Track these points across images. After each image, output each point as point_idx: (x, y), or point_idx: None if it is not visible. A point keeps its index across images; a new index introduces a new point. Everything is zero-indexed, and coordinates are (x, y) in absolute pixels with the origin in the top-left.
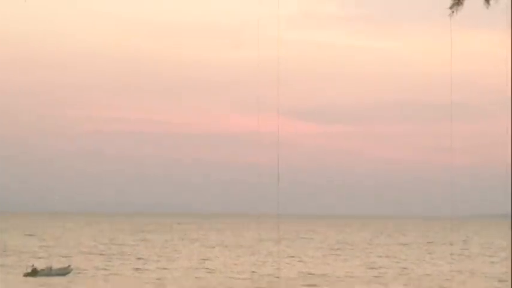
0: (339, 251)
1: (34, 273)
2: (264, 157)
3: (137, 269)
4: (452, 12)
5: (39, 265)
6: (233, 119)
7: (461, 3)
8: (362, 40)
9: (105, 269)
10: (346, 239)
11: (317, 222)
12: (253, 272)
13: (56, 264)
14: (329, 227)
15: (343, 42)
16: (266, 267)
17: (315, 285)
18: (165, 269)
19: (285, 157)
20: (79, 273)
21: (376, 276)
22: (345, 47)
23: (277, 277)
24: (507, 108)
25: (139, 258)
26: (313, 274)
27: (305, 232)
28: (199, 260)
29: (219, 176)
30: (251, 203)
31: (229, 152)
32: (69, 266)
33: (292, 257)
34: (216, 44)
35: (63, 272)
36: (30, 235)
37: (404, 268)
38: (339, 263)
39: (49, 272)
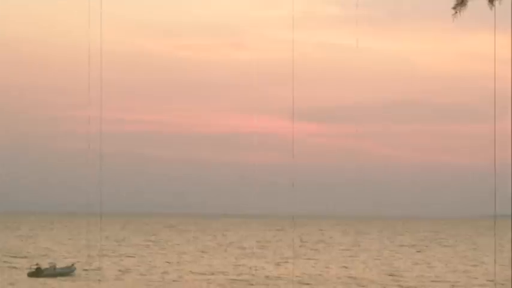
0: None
1: (38, 272)
2: (268, 157)
3: (142, 269)
4: (456, 12)
5: (43, 264)
6: (235, 120)
7: (465, 4)
8: (364, 40)
9: (110, 269)
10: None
11: (332, 223)
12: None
13: (60, 264)
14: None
15: (344, 43)
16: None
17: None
18: (176, 270)
19: (288, 157)
20: (83, 271)
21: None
22: (346, 47)
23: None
24: (509, 110)
25: (144, 258)
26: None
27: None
28: (200, 261)
29: (220, 176)
30: (261, 204)
31: (231, 152)
32: (72, 265)
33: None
34: (217, 44)
35: (67, 271)
36: (32, 235)
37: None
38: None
39: (53, 272)
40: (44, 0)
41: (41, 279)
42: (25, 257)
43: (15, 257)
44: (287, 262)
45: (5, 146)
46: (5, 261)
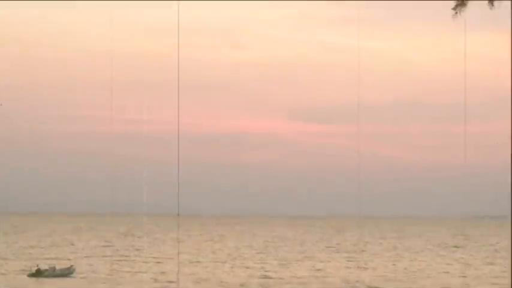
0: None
1: (38, 273)
2: (268, 157)
3: (141, 270)
4: (456, 13)
5: (43, 266)
6: (234, 120)
7: (465, 4)
8: (363, 40)
9: (109, 270)
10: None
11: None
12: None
13: (59, 265)
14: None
15: (344, 43)
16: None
17: None
18: (178, 272)
19: (286, 157)
20: (81, 274)
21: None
22: (346, 47)
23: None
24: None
25: (145, 260)
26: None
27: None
28: (204, 260)
29: (219, 176)
30: (262, 204)
31: (231, 152)
32: (71, 266)
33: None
34: (217, 44)
35: (67, 272)
36: (32, 235)
37: None
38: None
39: (53, 273)
40: (52, 4)
41: (40, 280)
42: (26, 259)
43: (15, 259)
44: (290, 263)
45: (10, 146)
46: (5, 263)
